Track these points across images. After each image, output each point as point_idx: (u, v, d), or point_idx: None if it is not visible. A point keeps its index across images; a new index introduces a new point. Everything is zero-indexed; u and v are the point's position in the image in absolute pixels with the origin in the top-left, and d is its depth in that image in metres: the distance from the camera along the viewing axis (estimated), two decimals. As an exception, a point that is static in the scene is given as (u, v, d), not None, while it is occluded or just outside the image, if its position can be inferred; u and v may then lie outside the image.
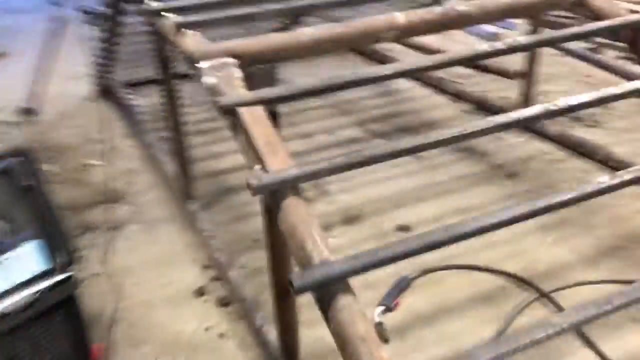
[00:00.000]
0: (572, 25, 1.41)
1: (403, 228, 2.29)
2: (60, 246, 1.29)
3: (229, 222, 2.39)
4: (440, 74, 3.80)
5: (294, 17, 2.75)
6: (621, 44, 4.28)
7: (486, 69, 3.83)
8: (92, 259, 2.19)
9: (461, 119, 3.25)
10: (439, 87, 3.61)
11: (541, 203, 1.04)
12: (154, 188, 2.66)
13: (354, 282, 0.95)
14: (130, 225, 2.40)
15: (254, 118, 0.99)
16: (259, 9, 1.71)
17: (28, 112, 3.49)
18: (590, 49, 4.23)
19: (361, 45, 1.30)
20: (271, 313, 1.86)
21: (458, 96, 3.47)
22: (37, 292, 1.27)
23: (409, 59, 1.15)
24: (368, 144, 3.01)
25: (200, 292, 2.00)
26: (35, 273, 1.28)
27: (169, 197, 2.58)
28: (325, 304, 0.84)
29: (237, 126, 1.04)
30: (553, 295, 1.91)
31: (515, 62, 3.96)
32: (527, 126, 3.04)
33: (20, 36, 4.85)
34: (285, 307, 1.44)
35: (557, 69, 3.87)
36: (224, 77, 1.09)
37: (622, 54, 4.15)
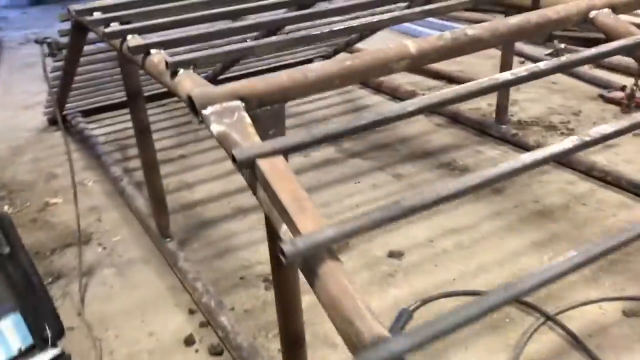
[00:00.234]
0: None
1: (395, 254, 2.20)
2: (45, 318, 1.14)
3: (210, 259, 2.25)
4: (410, 87, 3.76)
5: (265, 32, 2.63)
6: (580, 48, 4.36)
7: (456, 80, 3.82)
8: (66, 310, 2.01)
9: (436, 132, 3.20)
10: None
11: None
12: (124, 226, 2.49)
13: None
14: (104, 269, 2.23)
15: (277, 171, 0.88)
16: (230, 25, 1.60)
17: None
18: (550, 54, 4.28)
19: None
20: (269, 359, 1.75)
21: (433, 110, 3.42)
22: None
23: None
24: (344, 163, 2.93)
25: (189, 341, 1.85)
26: (18, 350, 1.12)
27: (142, 235, 2.41)
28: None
29: (257, 181, 0.92)
30: (559, 317, 1.85)
31: (481, 71, 3.98)
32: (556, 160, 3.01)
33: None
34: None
35: (522, 76, 3.88)
36: (234, 125, 0.97)
37: (582, 59, 4.21)
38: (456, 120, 3.26)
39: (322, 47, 4.06)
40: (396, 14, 1.57)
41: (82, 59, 2.71)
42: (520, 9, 2.22)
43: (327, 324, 1.83)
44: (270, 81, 1.06)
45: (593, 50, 1.24)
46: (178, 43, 1.43)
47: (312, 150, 3.05)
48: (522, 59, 4.20)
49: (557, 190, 2.55)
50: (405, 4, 2.51)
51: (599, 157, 2.75)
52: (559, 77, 3.80)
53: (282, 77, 1.08)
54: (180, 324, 1.93)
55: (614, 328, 1.80)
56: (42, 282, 1.21)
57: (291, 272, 1.20)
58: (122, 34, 1.53)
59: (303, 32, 1.39)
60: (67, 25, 2.37)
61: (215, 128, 0.98)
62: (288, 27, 2.71)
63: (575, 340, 1.75)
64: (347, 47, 4.23)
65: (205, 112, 1.00)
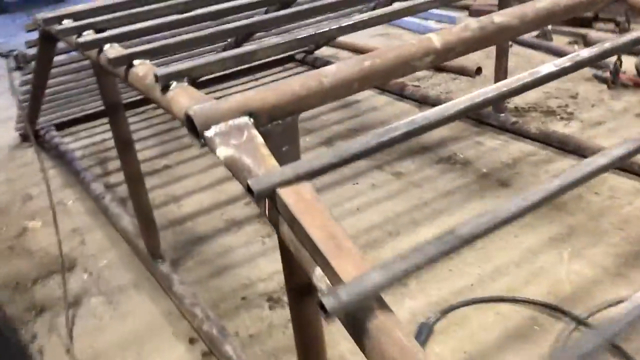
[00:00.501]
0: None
1: (406, 261, 2.05)
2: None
3: (207, 279, 2.08)
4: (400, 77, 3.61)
5: (245, 35, 2.46)
6: (569, 29, 4.24)
7: (446, 69, 3.68)
8: (53, 347, 1.83)
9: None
10: (401, 93, 3.41)
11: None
12: (111, 248, 2.31)
13: None
14: (92, 297, 2.05)
15: (303, 202, 0.72)
16: (211, 30, 1.44)
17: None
18: (537, 36, 4.17)
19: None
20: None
21: (422, 101, 3.28)
22: None
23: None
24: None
25: (192, 374, 1.70)
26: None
27: (131, 257, 2.24)
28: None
29: (279, 214, 0.76)
30: (589, 320, 1.72)
31: (470, 58, 3.84)
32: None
33: None
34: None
35: (512, 60, 3.76)
36: (244, 146, 0.81)
37: (572, 39, 4.11)
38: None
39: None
40: (364, 16, 1.39)
41: (52, 70, 2.51)
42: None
43: (343, 346, 1.68)
44: (281, 91, 0.90)
45: (635, 34, 1.09)
46: (165, 50, 1.26)
47: (304, 151, 2.89)
48: (510, 43, 4.07)
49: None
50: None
51: (603, 142, 2.63)
52: (547, 58, 3.68)
53: (294, 86, 0.92)
54: (180, 356, 1.76)
55: (651, 329, 1.68)
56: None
57: (313, 310, 1.05)
58: (98, 44, 1.35)
59: (309, 31, 1.23)
60: (35, 35, 2.17)
61: (223, 152, 0.82)
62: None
63: (612, 346, 1.62)
64: (329, 41, 4.09)
65: (208, 133, 0.84)
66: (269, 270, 2.06)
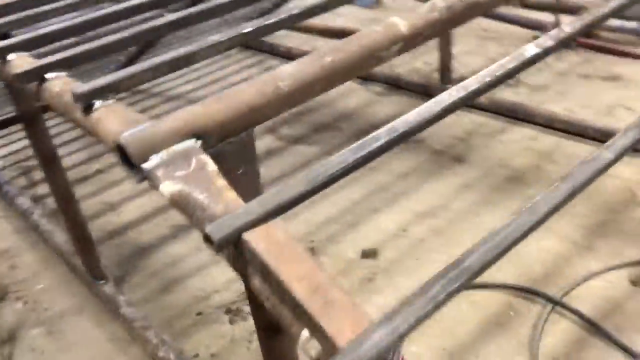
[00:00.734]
0: None
1: (369, 253, 1.94)
2: None
3: (157, 295, 1.91)
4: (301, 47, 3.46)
5: (148, 42, 2.25)
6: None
7: (345, 34, 3.54)
8: (-11, 395, 1.63)
9: (379, 103, 2.94)
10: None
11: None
12: (46, 270, 2.09)
13: None
14: (30, 329, 1.84)
15: (277, 247, 0.58)
16: (114, 37, 1.22)
17: None
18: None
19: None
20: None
21: (369, 78, 3.14)
22: None
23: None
24: (288, 153, 2.62)
25: (152, 407, 1.54)
26: None
27: (70, 279, 2.03)
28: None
29: (248, 264, 0.62)
30: (566, 300, 1.66)
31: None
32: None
33: None
34: None
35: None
36: (194, 178, 0.65)
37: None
38: (398, 86, 3.00)
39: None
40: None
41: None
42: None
43: None
44: (232, 104, 0.74)
45: (617, 2, 0.99)
46: (86, 58, 1.06)
47: (265, 156, 2.72)
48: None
49: (522, 150, 2.36)
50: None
51: (553, 106, 2.58)
52: (489, 23, 3.61)
53: (247, 95, 0.76)
54: (136, 387, 1.60)
55: (627, 303, 1.63)
56: None
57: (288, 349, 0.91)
58: (1, 53, 1.13)
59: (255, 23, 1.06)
60: None
61: (168, 188, 0.66)
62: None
63: (591, 325, 1.57)
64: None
65: (147, 165, 0.68)
66: (223, 278, 1.90)
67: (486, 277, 1.74)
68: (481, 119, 2.63)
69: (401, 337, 0.56)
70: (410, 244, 1.96)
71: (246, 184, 0.75)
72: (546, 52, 0.86)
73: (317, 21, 3.86)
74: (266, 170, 2.48)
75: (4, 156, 2.92)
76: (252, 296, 0.69)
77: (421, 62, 3.22)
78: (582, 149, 2.29)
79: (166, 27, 1.23)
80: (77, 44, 1.12)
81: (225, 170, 0.72)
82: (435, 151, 2.45)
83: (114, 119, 0.77)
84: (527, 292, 1.70)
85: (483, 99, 2.67)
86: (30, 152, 2.82)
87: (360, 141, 0.73)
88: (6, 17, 1.31)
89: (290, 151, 2.63)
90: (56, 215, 2.28)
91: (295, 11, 1.12)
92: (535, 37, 3.28)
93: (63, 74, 0.98)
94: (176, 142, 0.69)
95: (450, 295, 0.61)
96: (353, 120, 2.81)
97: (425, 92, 2.87)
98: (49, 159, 1.70)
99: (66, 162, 2.53)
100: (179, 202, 0.66)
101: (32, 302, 1.95)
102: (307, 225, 2.09)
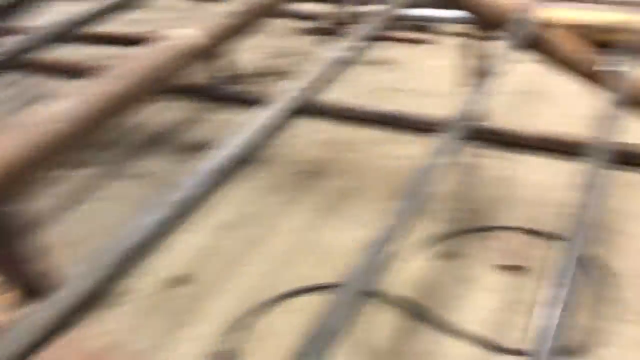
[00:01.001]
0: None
1: (182, 280, 1.76)
2: None
3: None
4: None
5: None
6: None
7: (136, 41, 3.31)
8: None
9: (156, 111, 2.72)
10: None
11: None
12: None
13: None
14: None
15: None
16: None
17: None
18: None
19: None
20: None
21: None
22: None
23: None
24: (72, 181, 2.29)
25: None
26: None
27: None
28: None
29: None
30: (384, 288, 1.68)
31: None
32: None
33: None
34: None
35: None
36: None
37: None
38: (172, 91, 2.81)
39: None
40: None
41: None
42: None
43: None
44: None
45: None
46: None
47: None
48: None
49: (317, 144, 2.36)
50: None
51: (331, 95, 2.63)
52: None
53: (8, 150, 0.56)
54: None
55: (443, 278, 1.71)
56: None
57: None
58: None
59: None
60: None
61: None
62: None
63: (411, 312, 1.60)
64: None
65: None
66: None
67: (306, 279, 1.71)
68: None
69: None
70: (225, 262, 1.83)
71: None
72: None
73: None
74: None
75: None
76: None
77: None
78: (376, 135, 2.36)
79: None
80: None
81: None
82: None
83: None
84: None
85: (263, 95, 2.62)
86: None
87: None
88: None
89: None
90: None
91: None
92: (305, 28, 3.36)
93: None
94: None
95: None
96: (133, 134, 2.56)
97: (205, 94, 2.72)
98: None
99: None
100: None
101: None
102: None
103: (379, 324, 1.57)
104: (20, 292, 0.55)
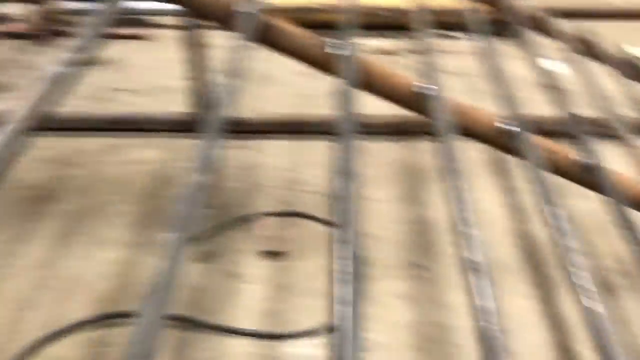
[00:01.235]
0: None
1: None
2: None
3: None
4: None
5: None
6: None
7: None
8: None
9: None
10: None
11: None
12: None
13: None
14: None
15: None
16: None
17: None
18: None
19: None
20: None
21: None
22: None
23: None
24: None
25: None
26: None
27: None
28: None
29: None
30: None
31: None
32: None
33: None
34: None
35: None
36: None
37: None
38: None
39: None
40: None
41: None
42: None
43: None
44: None
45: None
46: None
47: None
48: None
49: (42, 163, 2.07)
50: None
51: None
52: None
53: None
54: None
55: (203, 282, 1.64)
56: None
57: None
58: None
59: None
60: None
61: None
62: None
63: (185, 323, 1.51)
64: None
65: None
66: None
67: (46, 323, 1.48)
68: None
69: None
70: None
71: None
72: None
73: None
74: None
75: None
76: None
77: None
78: (107, 143, 2.16)
79: None
80: None
81: None
82: None
83: None
84: (109, 318, 1.52)
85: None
86: None
87: None
88: None
89: None
90: None
91: None
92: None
93: None
94: None
95: None
96: None
97: None
98: None
99: None
100: None
101: None
102: None
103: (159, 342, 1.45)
104: None
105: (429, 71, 1.29)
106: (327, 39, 1.20)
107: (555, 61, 2.82)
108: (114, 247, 1.72)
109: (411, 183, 2.03)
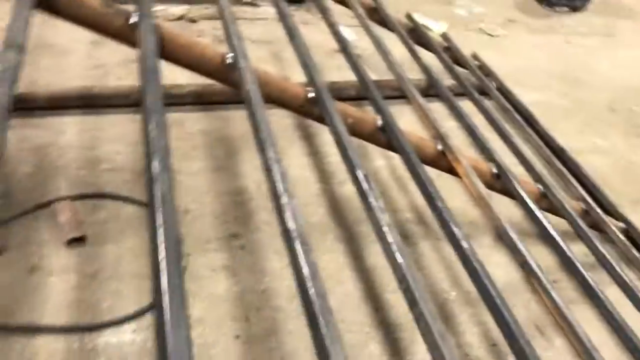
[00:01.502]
0: None
1: None
2: None
3: None
4: None
5: None
6: None
7: None
8: None
9: None
10: None
11: None
12: None
13: None
14: None
15: None
16: None
17: None
18: None
19: None
20: None
21: None
22: None
23: None
24: None
25: None
26: None
27: None
28: None
29: None
30: None
31: None
32: None
33: None
34: None
35: None
36: None
37: None
38: None
39: None
40: None
41: None
42: None
43: None
44: None
45: None
46: None
47: None
48: None
49: None
50: None
51: None
52: None
53: None
54: None
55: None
56: None
57: None
58: None
59: None
60: None
61: None
62: None
63: None
64: None
65: None
66: None
67: None
68: None
69: None
70: None
71: None
72: None
73: None
74: None
75: None
76: None
77: None
78: None
79: None
80: None
81: None
82: None
83: None
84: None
85: None
86: None
87: None
88: None
89: None
90: None
91: None
92: None
93: None
94: None
95: None
96: None
97: None
98: None
99: None
100: None
101: None
102: None
103: None
104: None
105: (235, 40, 1.27)
106: (129, 9, 1.11)
107: (350, 28, 2.98)
108: None
109: (223, 153, 2.01)
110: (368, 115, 1.45)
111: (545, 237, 1.41)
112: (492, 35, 3.48)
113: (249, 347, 1.40)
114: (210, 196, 1.82)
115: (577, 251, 1.42)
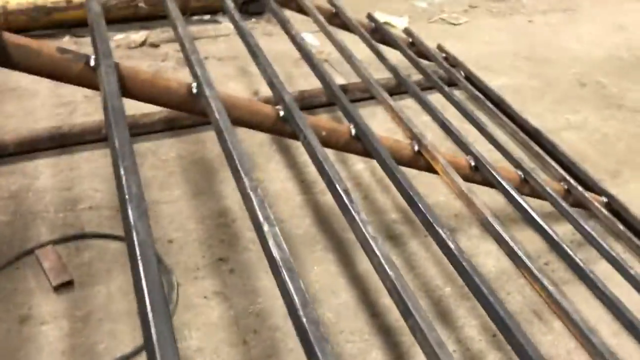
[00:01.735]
0: None
1: None
2: None
3: None
4: None
5: None
6: None
7: None
8: None
9: None
10: None
11: None
12: None
13: None
14: None
15: None
16: None
17: None
18: None
19: None
20: None
21: None
22: None
23: None
24: None
25: None
26: None
27: None
28: None
29: None
30: None
31: None
32: None
33: None
34: None
35: None
36: None
37: None
38: None
39: None
40: None
41: None
42: None
43: None
44: None
45: None
46: None
47: None
48: None
49: None
50: None
51: None
52: None
53: None
54: None
55: None
56: None
57: None
58: None
59: None
60: None
61: None
62: None
63: None
64: None
65: None
66: None
67: None
68: None
69: None
70: None
71: None
72: None
73: None
74: None
75: None
76: None
77: None
78: None
79: None
80: None
81: None
82: None
83: None
84: None
85: None
86: None
87: None
88: None
89: None
90: None
91: None
92: None
93: None
94: None
95: None
96: None
97: None
98: None
99: None
100: None
101: None
102: None
103: None
104: None
105: (198, 68, 1.25)
106: (87, 55, 1.10)
107: (313, 34, 2.98)
108: None
109: (201, 176, 1.99)
110: (341, 125, 1.44)
111: (530, 221, 1.41)
112: (454, 24, 3.50)
113: (251, 371, 1.39)
114: (193, 222, 1.80)
115: (564, 231, 1.42)
